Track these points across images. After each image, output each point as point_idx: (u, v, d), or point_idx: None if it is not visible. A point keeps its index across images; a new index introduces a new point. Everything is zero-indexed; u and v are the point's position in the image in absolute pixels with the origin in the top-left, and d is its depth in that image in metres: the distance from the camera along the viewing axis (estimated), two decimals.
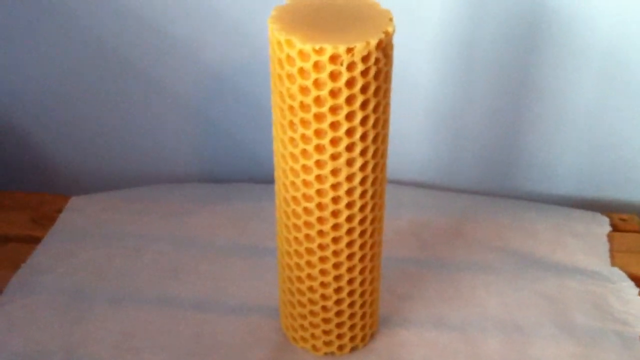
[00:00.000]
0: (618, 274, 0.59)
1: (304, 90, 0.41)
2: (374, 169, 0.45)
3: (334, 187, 0.44)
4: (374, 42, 0.40)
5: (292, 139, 0.43)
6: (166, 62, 0.65)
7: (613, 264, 0.60)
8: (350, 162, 0.44)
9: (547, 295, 0.56)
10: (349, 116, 0.42)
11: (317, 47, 0.40)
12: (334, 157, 0.43)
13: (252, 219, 0.64)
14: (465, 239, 0.62)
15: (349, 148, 0.43)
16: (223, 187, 0.69)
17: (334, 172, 0.44)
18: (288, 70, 0.41)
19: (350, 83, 0.41)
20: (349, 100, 0.41)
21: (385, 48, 0.41)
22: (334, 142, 0.43)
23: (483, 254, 0.61)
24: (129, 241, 0.61)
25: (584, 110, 0.64)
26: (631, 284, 0.57)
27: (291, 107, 0.42)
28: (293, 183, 0.45)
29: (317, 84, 0.41)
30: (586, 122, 0.65)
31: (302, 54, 0.40)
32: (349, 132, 0.42)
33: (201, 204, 0.66)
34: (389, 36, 0.41)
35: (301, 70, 0.41)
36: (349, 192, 0.45)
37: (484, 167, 0.69)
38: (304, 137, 0.43)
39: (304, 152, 0.43)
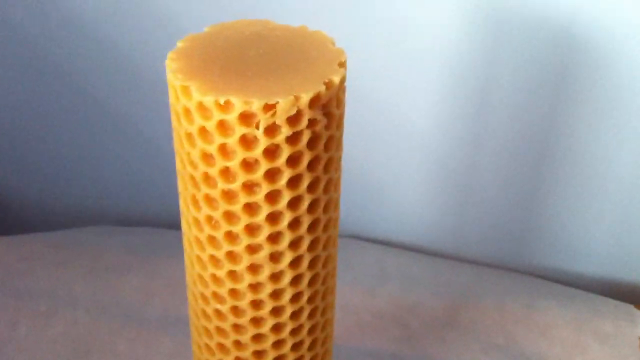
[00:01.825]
0: None
1: (206, 157, 0.29)
2: (312, 264, 0.32)
3: (254, 287, 0.32)
4: (306, 98, 0.28)
5: (196, 220, 0.31)
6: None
7: None
8: (275, 257, 0.31)
9: None
10: (272, 197, 0.30)
11: (221, 100, 0.27)
12: (252, 249, 0.31)
13: None
14: (462, 332, 0.50)
15: (273, 239, 0.31)
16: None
17: (253, 268, 0.31)
18: (187, 129, 0.29)
19: (271, 153, 0.29)
20: (271, 175, 0.29)
21: (326, 105, 0.29)
22: (251, 229, 0.30)
23: (481, 354, 0.48)
24: (41, 303, 0.50)
25: (623, 177, 0.51)
26: None
27: (192, 178, 0.30)
28: (200, 277, 0.33)
29: (223, 151, 0.29)
30: (623, 192, 0.51)
31: (201, 108, 0.28)
32: (272, 218, 0.30)
33: (144, 255, 0.54)
34: (332, 88, 0.29)
35: (202, 131, 0.29)
36: (275, 294, 0.32)
37: (494, 233, 0.56)
38: (210, 220, 0.31)
39: (212, 240, 0.31)
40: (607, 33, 0.45)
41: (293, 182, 0.30)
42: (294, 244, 0.31)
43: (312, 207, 0.31)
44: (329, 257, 0.33)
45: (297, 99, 0.27)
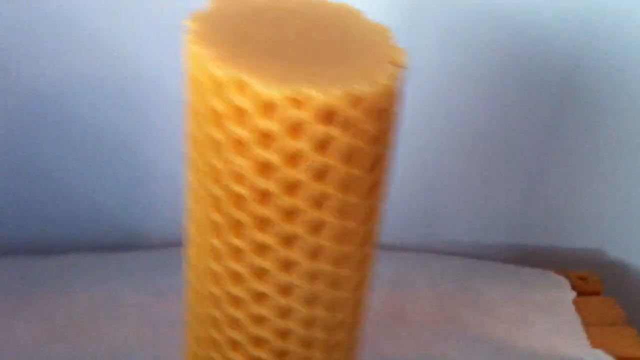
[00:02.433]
0: (605, 359, 0.46)
1: (264, 168, 0.23)
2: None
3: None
4: (392, 81, 0.23)
5: (235, 251, 0.25)
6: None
7: (593, 344, 0.47)
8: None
9: None
10: (352, 212, 0.24)
11: (295, 93, 0.21)
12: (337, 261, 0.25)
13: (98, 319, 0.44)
14: (407, 322, 0.47)
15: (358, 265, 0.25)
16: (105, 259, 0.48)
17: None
18: (235, 134, 0.23)
19: (355, 155, 0.23)
20: (352, 184, 0.24)
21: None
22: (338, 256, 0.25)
23: (435, 343, 0.45)
24: None
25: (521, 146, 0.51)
26: None
27: (238, 198, 0.24)
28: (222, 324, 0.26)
29: (293, 159, 0.23)
30: (524, 162, 0.51)
31: (265, 107, 0.22)
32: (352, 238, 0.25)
33: (58, 285, 0.45)
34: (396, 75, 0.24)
35: (264, 136, 0.22)
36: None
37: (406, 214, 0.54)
38: (261, 250, 0.24)
39: (260, 273, 0.25)
40: None
41: (372, 191, 0.24)
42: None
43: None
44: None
45: (387, 87, 0.22)
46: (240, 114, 0.22)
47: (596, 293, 0.52)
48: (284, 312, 0.25)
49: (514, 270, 0.53)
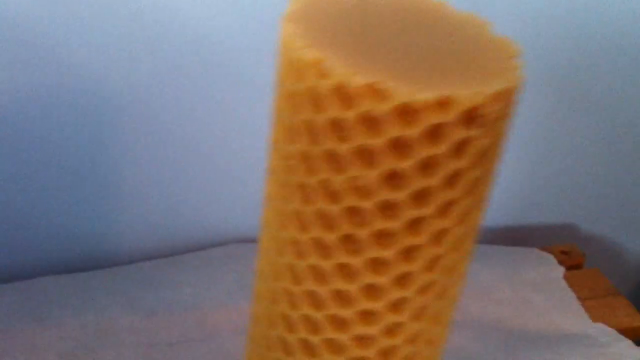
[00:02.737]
0: (609, 333, 0.46)
1: (394, 177, 0.21)
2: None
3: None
4: (517, 81, 0.21)
5: (341, 268, 0.23)
6: None
7: (592, 318, 0.48)
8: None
9: None
10: (472, 220, 0.23)
11: (439, 96, 0.19)
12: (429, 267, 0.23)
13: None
14: None
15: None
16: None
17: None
18: (360, 143, 0.20)
19: (486, 157, 0.21)
20: (479, 186, 0.22)
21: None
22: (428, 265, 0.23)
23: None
24: None
25: None
26: (630, 343, 0.46)
27: (354, 212, 0.21)
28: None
29: (425, 167, 0.21)
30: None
31: (405, 112, 0.20)
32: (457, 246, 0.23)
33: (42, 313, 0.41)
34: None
35: (398, 143, 0.20)
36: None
37: None
38: (376, 265, 0.22)
39: (369, 290, 0.23)
40: None
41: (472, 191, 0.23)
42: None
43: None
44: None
45: (509, 89, 0.21)
46: (371, 121, 0.20)
47: (579, 265, 0.53)
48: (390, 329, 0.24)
49: (501, 250, 0.53)
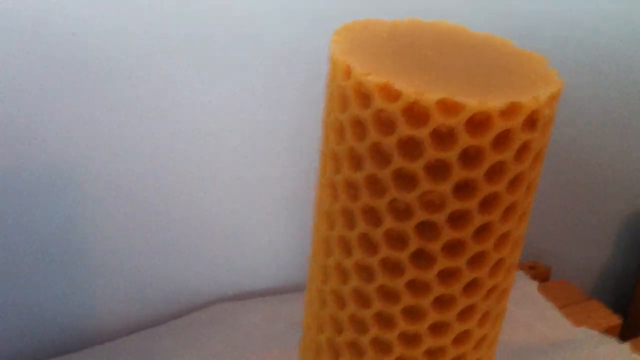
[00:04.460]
0: (593, 335, 0.49)
1: (462, 189, 0.22)
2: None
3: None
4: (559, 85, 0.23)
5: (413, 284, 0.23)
6: None
7: (573, 324, 0.50)
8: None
9: None
10: (523, 219, 0.24)
11: (510, 102, 0.21)
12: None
13: None
14: None
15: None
16: None
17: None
18: (437, 158, 0.21)
19: (538, 158, 0.23)
20: (531, 186, 0.23)
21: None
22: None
23: None
24: None
25: None
26: (615, 341, 0.48)
27: (427, 227, 0.22)
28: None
29: (498, 170, 0.22)
30: None
31: (479, 123, 0.21)
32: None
33: None
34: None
35: (469, 154, 0.21)
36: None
37: None
38: (446, 276, 0.23)
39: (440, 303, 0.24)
40: None
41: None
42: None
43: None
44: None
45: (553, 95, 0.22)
46: (445, 135, 0.21)
47: (546, 278, 0.56)
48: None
49: None
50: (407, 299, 0.24)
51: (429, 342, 0.25)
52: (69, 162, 0.40)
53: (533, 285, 0.53)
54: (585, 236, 0.63)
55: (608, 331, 0.50)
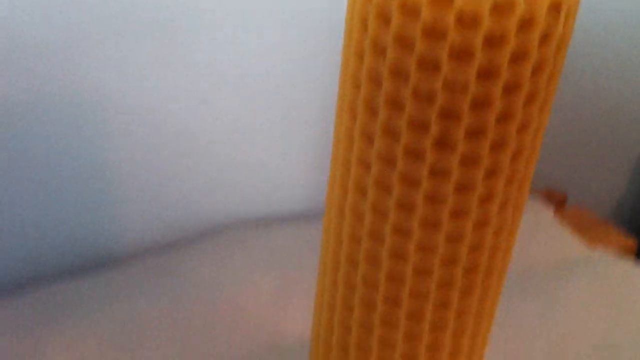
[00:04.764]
0: (609, 255, 0.49)
1: (485, 74, 0.22)
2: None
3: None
4: None
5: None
6: None
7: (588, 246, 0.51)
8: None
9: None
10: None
11: None
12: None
13: None
14: None
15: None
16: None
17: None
18: (462, 42, 0.22)
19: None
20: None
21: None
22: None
23: None
24: None
25: None
26: (630, 261, 0.49)
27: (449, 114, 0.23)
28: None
29: (522, 54, 0.22)
30: None
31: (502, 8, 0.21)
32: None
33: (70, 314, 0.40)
34: None
35: (495, 38, 0.22)
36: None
37: None
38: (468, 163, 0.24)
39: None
40: None
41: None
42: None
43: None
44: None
45: None
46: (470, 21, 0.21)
47: (562, 204, 0.56)
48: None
49: None
50: (427, 185, 0.24)
51: (448, 226, 0.25)
52: (96, 86, 0.41)
53: (549, 210, 0.54)
54: (602, 164, 0.63)
55: (623, 253, 0.50)
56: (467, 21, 0.21)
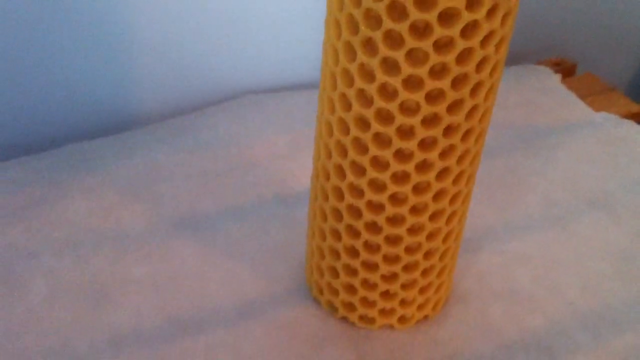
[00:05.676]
0: (612, 118, 0.52)
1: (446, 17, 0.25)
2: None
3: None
4: None
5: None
6: None
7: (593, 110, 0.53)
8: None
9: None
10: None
11: None
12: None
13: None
14: None
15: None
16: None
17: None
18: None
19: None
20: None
21: None
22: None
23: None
24: None
25: None
26: (632, 123, 0.51)
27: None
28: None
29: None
30: None
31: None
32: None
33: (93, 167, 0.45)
34: None
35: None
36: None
37: None
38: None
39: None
40: None
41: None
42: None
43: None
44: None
45: None
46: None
47: (572, 73, 0.58)
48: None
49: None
50: (400, 120, 0.28)
51: (418, 156, 0.29)
52: None
53: (557, 77, 0.56)
54: (612, 33, 0.64)
55: (628, 117, 0.53)
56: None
